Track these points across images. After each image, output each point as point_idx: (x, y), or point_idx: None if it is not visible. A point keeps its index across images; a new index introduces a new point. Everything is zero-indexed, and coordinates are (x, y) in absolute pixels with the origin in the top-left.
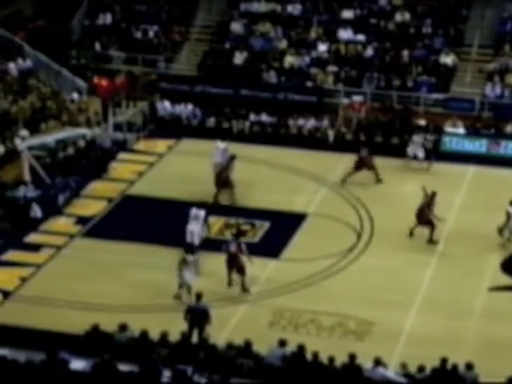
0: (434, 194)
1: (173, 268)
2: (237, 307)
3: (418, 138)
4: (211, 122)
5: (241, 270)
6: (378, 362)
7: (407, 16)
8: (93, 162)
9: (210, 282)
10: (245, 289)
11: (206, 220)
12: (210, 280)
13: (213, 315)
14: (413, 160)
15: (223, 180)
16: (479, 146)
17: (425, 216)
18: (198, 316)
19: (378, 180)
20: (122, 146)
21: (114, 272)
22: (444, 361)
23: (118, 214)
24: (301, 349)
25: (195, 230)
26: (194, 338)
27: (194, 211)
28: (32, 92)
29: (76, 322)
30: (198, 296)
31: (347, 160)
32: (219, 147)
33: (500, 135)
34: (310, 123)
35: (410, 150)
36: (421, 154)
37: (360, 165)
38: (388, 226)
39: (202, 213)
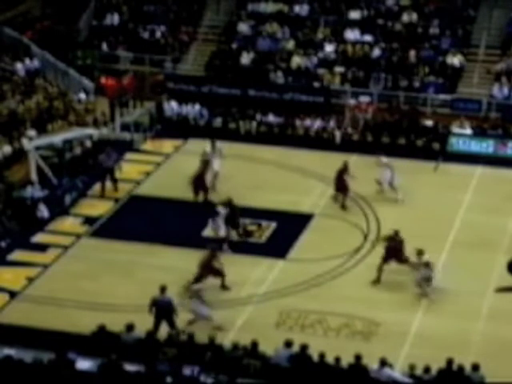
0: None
1: (179, 268)
2: (243, 308)
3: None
4: (218, 122)
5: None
6: (384, 363)
7: (414, 16)
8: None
9: (216, 283)
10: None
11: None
12: (216, 280)
13: (177, 307)
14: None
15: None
16: (486, 146)
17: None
18: (163, 308)
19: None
20: (129, 146)
21: (121, 272)
22: (450, 362)
23: (124, 214)
24: (303, 348)
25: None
26: (161, 332)
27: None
28: (39, 92)
29: (83, 321)
30: (163, 288)
31: (354, 160)
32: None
33: (507, 136)
34: (317, 124)
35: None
36: (396, 180)
37: None
38: (394, 226)
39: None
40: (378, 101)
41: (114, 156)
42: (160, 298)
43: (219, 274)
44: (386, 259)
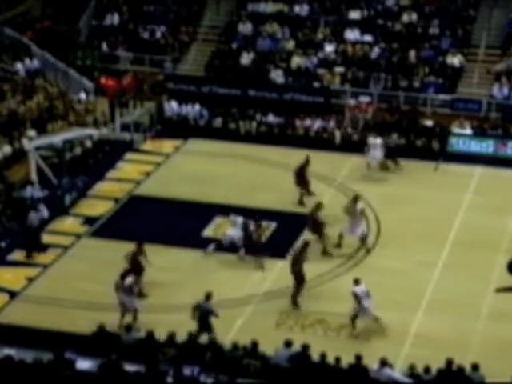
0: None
1: (179, 268)
2: (244, 308)
3: (373, 141)
4: (218, 122)
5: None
6: (384, 363)
7: (414, 16)
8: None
9: (216, 283)
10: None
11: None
12: (216, 281)
13: (213, 320)
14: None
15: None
16: (486, 146)
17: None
18: (201, 314)
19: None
20: (129, 146)
21: (120, 272)
22: (449, 362)
23: (124, 214)
24: (304, 348)
25: None
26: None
27: None
28: (39, 92)
29: (83, 322)
30: (208, 296)
31: (354, 161)
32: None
33: (507, 136)
34: (317, 124)
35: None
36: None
37: None
38: (394, 227)
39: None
40: (378, 101)
41: (43, 212)
42: (202, 303)
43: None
44: None
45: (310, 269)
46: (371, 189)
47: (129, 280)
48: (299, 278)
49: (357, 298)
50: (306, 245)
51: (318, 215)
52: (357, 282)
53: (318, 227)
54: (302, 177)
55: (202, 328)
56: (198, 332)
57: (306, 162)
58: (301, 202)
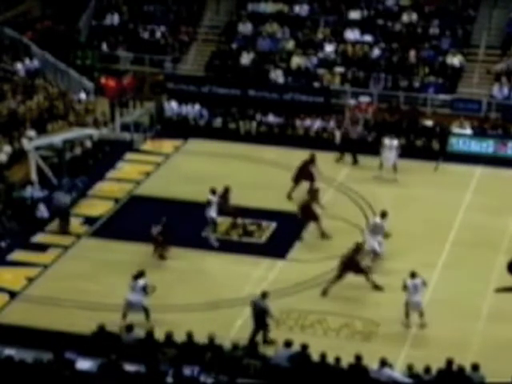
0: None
1: (179, 268)
2: (244, 308)
3: (389, 142)
4: (218, 122)
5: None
6: (384, 363)
7: (414, 16)
8: None
9: (216, 283)
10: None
11: None
12: (216, 281)
13: (269, 320)
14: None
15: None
16: (486, 146)
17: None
18: (257, 312)
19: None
20: (129, 146)
21: (120, 272)
22: (450, 362)
23: (124, 214)
24: (304, 348)
25: None
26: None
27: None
28: (39, 92)
29: (83, 322)
30: (264, 294)
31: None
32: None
33: (507, 136)
34: (317, 124)
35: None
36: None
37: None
38: (394, 227)
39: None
40: (378, 101)
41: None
42: (257, 301)
43: (362, 271)
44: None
45: (310, 268)
46: (371, 189)
47: (142, 281)
48: (362, 271)
49: (405, 289)
50: (358, 248)
51: (313, 204)
52: (413, 275)
53: (308, 215)
54: (301, 174)
55: (258, 325)
56: (256, 330)
57: (310, 160)
58: (289, 197)
